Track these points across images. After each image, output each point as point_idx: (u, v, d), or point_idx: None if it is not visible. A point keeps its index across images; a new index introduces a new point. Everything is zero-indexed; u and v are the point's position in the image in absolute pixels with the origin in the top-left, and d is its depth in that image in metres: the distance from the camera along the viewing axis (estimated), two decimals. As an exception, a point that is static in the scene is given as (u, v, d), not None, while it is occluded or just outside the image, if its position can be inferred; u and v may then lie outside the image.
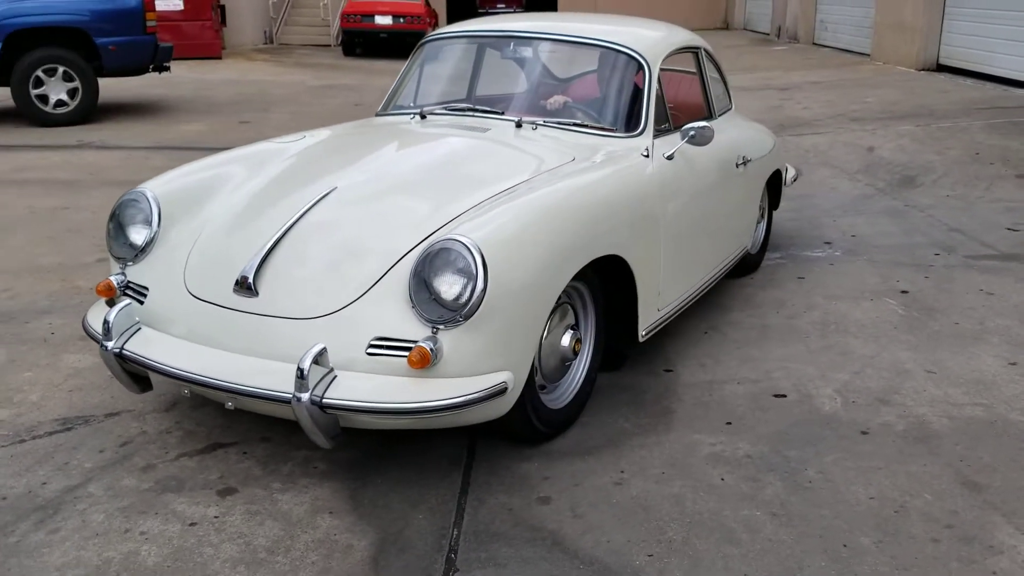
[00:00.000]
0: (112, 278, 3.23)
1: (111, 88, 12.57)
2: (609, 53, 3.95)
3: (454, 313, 2.66)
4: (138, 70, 10.61)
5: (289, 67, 17.21)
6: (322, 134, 4.02)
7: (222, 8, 17.93)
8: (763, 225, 5.18)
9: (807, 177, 7.42)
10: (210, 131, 9.86)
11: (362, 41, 18.37)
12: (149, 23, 10.33)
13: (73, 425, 3.34)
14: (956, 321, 4.34)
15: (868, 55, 15.62)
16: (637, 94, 3.84)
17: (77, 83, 10.06)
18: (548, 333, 3.10)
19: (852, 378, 3.73)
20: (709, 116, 4.42)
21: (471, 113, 3.91)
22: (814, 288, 4.83)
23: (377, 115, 4.25)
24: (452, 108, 3.99)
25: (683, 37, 4.39)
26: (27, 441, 3.23)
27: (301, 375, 2.60)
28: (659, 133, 3.81)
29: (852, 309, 4.51)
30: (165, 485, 2.95)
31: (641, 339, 3.54)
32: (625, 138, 3.71)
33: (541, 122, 3.77)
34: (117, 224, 3.31)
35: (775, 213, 5.58)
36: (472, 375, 2.70)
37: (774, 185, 5.23)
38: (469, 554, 2.60)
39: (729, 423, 3.36)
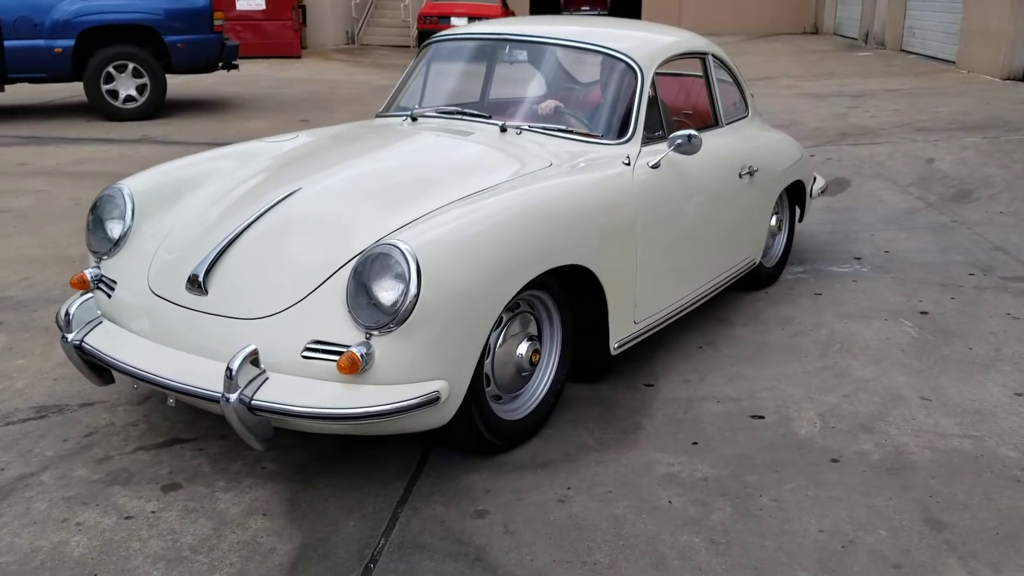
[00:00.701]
0: (87, 271, 3.30)
1: (188, 85, 12.98)
2: (600, 57, 3.87)
3: (388, 319, 2.63)
4: (205, 68, 10.91)
5: (364, 67, 17.47)
6: (315, 134, 4.04)
7: (303, 8, 18.30)
8: (782, 237, 5.00)
9: (855, 188, 7.15)
10: (269, 129, 10.05)
11: (438, 42, 18.48)
12: (216, 22, 10.60)
13: (47, 413, 3.43)
14: (971, 346, 4.10)
15: (953, 63, 14.99)
16: (628, 100, 3.74)
17: (146, 79, 10.39)
18: (503, 342, 3.04)
19: (840, 402, 3.56)
20: (715, 124, 4.28)
21: (460, 116, 3.87)
22: (828, 305, 4.63)
23: (377, 116, 4.25)
24: (442, 111, 3.96)
25: (687, 43, 4.26)
26: (3, 426, 3.33)
27: (230, 375, 2.60)
28: (652, 141, 3.71)
29: (862, 329, 4.31)
30: (115, 477, 2.99)
31: (613, 352, 3.44)
32: (610, 145, 3.62)
33: (526, 127, 3.71)
34: (96, 218, 3.38)
35: (802, 226, 5.39)
36: (405, 383, 2.66)
37: (798, 197, 5.05)
38: (388, 565, 2.56)
39: (696, 443, 3.24)
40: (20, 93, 11.28)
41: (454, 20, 18.07)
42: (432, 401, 2.65)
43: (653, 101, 3.77)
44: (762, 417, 3.44)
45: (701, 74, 4.30)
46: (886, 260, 5.38)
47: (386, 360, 2.64)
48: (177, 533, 2.70)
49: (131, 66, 10.31)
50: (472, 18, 18.04)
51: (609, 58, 3.82)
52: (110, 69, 10.25)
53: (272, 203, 3.15)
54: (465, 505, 2.85)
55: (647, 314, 3.59)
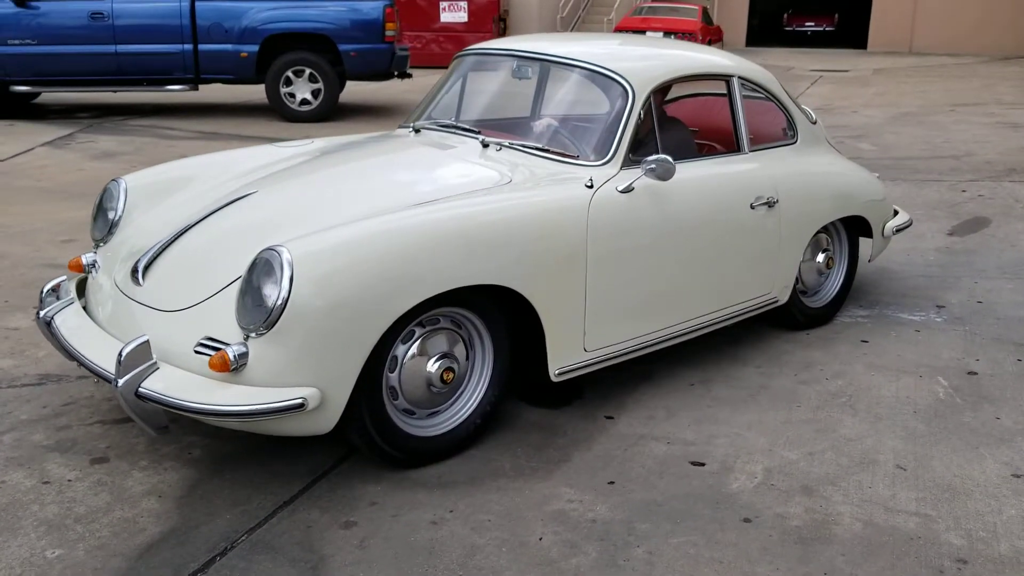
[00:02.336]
0: (83, 256, 3.62)
1: (377, 91, 13.72)
2: (593, 76, 3.75)
3: (260, 323, 2.71)
4: (377, 75, 11.49)
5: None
6: (328, 141, 4.20)
7: (503, 21, 18.81)
8: (836, 276, 4.62)
9: (991, 230, 6.46)
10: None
11: (632, 56, 18.41)
12: (388, 32, 11.15)
13: (46, 381, 3.79)
14: (999, 416, 3.61)
15: None
16: (614, 121, 3.61)
17: (320, 84, 11.10)
18: (411, 357, 3.04)
19: (800, 459, 3.26)
20: (737, 150, 4.04)
21: (453, 130, 3.88)
22: (866, 355, 4.23)
23: (399, 126, 4.35)
24: (441, 124, 3.99)
25: (701, 65, 4.06)
26: (2, 389, 3.72)
27: (119, 361, 2.78)
28: (639, 164, 3.56)
29: (887, 384, 3.91)
30: (60, 445, 3.27)
31: (555, 378, 3.34)
32: (585, 166, 3.51)
33: (507, 144, 3.67)
34: (99, 207, 3.70)
35: (894, 265, 4.95)
36: (274, 386, 2.73)
37: (864, 232, 4.65)
38: (231, 561, 2.64)
39: (612, 483, 3.09)
40: (211, 93, 12.35)
41: (649, 35, 17.91)
42: (296, 407, 2.69)
43: (647, 123, 3.62)
44: (703, 464, 3.22)
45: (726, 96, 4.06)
46: (971, 311, 4.83)
47: (258, 362, 2.73)
48: (75, 503, 2.91)
49: (308, 71, 11.06)
50: (667, 33, 17.84)
51: (601, 77, 3.71)
52: (289, 73, 11.04)
53: (220, 204, 3.33)
54: (341, 514, 2.88)
55: (603, 343, 3.45)
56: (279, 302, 2.67)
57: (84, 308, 3.37)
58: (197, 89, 11.25)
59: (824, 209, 4.32)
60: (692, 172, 3.77)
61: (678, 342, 3.81)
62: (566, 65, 3.84)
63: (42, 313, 3.34)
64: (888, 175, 8.33)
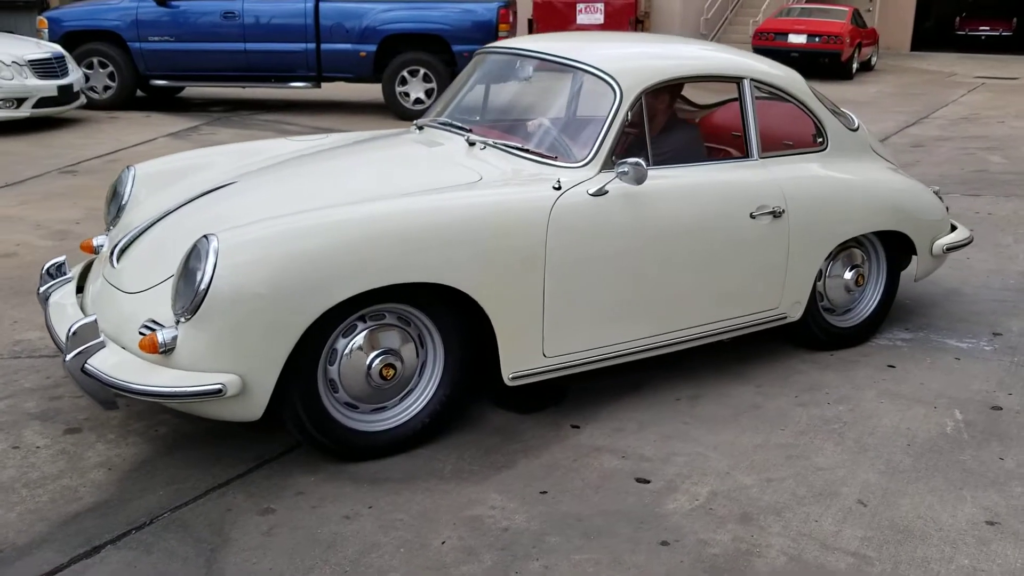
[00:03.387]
0: (95, 238, 3.85)
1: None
2: (586, 76, 3.66)
3: (185, 308, 2.80)
4: (488, 75, 11.57)
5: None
6: (343, 137, 4.28)
7: (640, 23, 18.57)
8: (870, 295, 4.31)
9: (1097, 254, 5.85)
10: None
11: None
12: (501, 33, 11.22)
13: (59, 354, 4.03)
14: (1002, 457, 3.28)
15: None
16: (598, 121, 3.51)
17: (434, 84, 11.30)
18: (351, 351, 3.05)
19: (755, 484, 3.06)
20: (746, 155, 3.83)
21: (450, 128, 3.87)
22: (885, 381, 3.92)
23: (414, 123, 4.36)
24: (440, 122, 3.98)
25: (703, 65, 3.92)
26: (20, 358, 3.99)
27: (67, 338, 2.94)
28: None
29: (892, 413, 3.61)
30: (44, 414, 3.48)
31: (509, 382, 3.29)
32: (562, 167, 3.42)
33: (491, 143, 3.63)
34: (113, 192, 3.92)
35: (966, 287, 4.58)
36: (199, 371, 2.81)
37: (906, 249, 4.32)
38: (142, 536, 2.73)
39: (545, 492, 3.00)
40: (333, 91, 12.75)
41: (792, 37, 17.25)
42: (215, 392, 2.76)
43: (624, 124, 3.48)
44: (648, 482, 3.08)
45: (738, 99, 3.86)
46: (1029, 341, 4.40)
47: (184, 346, 2.82)
48: (32, 468, 3.10)
49: (422, 71, 11.28)
50: (812, 35, 17.11)
51: (593, 77, 3.60)
52: (404, 73, 11.30)
53: (199, 193, 3.46)
54: (264, 501, 2.93)
55: (565, 350, 3.36)
56: (202, 288, 2.75)
57: (84, 287, 3.57)
58: (319, 87, 11.69)
59: (849, 222, 4.03)
60: (682, 177, 3.61)
61: (661, 353, 3.66)
62: (562, 65, 3.76)
63: (41, 289, 3.57)
64: (1005, 190, 7.71)
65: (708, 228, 3.61)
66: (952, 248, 4.47)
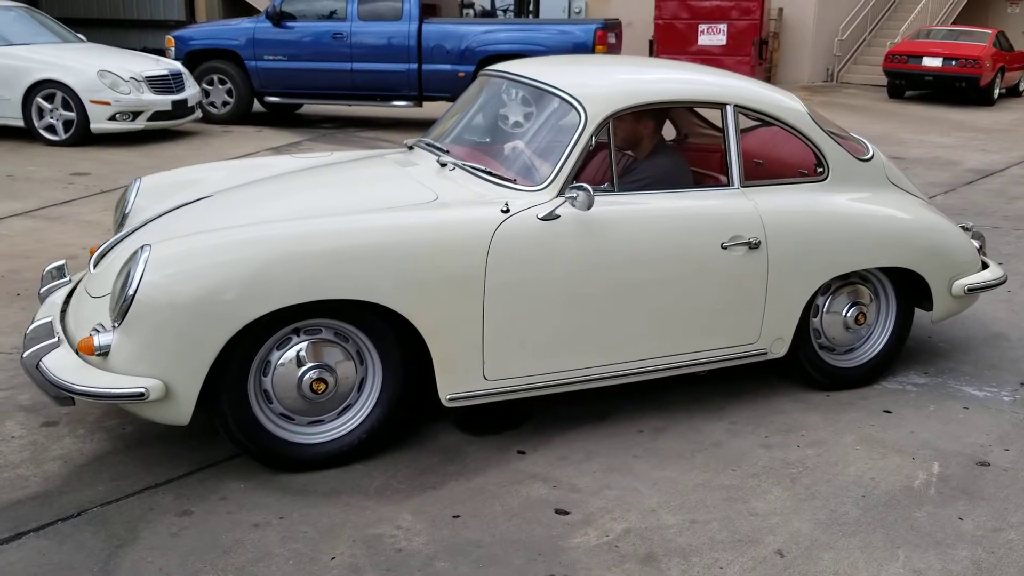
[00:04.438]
0: (103, 244, 4.10)
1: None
2: (555, 100, 3.62)
3: (116, 314, 2.95)
4: (584, 96, 11.57)
5: (815, 107, 16.71)
6: (340, 155, 4.39)
7: (763, 43, 18.11)
8: (876, 334, 4.07)
9: None
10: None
11: (904, 83, 16.96)
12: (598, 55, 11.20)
13: (73, 353, 4.31)
14: (962, 517, 3.02)
15: None
16: (561, 145, 3.48)
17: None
18: (284, 363, 3.13)
19: (675, 525, 2.95)
20: (728, 183, 3.71)
21: (430, 148, 3.91)
22: (873, 427, 3.69)
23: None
24: (425, 142, 4.02)
25: (684, 90, 3.81)
26: (37, 355, 4.28)
27: (24, 337, 3.15)
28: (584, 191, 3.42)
29: (862, 461, 3.40)
30: (33, 407, 3.71)
31: (447, 404, 3.29)
32: (522, 190, 3.41)
33: (460, 164, 3.66)
34: (120, 201, 4.16)
35: (993, 330, 4.28)
36: (128, 374, 2.95)
37: (920, 290, 4.06)
38: (63, 527, 2.89)
39: (457, 516, 2.99)
40: (434, 110, 13.00)
41: (926, 60, 16.41)
42: (137, 396, 2.90)
43: (588, 149, 3.43)
44: (567, 514, 3.02)
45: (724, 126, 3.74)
46: (1061, 393, 4.04)
47: (116, 350, 2.97)
48: (-2, 457, 3.33)
49: (519, 91, 11.38)
50: (948, 59, 16.24)
51: (562, 100, 3.57)
52: (501, 93, 11.44)
53: (178, 204, 3.64)
54: (187, 503, 3.04)
55: (508, 374, 3.33)
56: (129, 295, 2.90)
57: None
58: (421, 106, 11.98)
59: (844, 256, 3.82)
60: (646, 204, 3.53)
61: (621, 383, 3.57)
62: (541, 89, 3.74)
63: (42, 290, 3.83)
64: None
65: (671, 258, 3.51)
66: (977, 289, 4.16)
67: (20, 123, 9.88)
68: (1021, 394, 4.04)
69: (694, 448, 3.49)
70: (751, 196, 3.69)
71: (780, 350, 3.80)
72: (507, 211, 3.29)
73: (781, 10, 20.00)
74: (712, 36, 17.86)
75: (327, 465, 3.27)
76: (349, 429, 3.29)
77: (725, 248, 3.56)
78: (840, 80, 20.80)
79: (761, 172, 4.05)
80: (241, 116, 12.12)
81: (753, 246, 3.59)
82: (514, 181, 3.48)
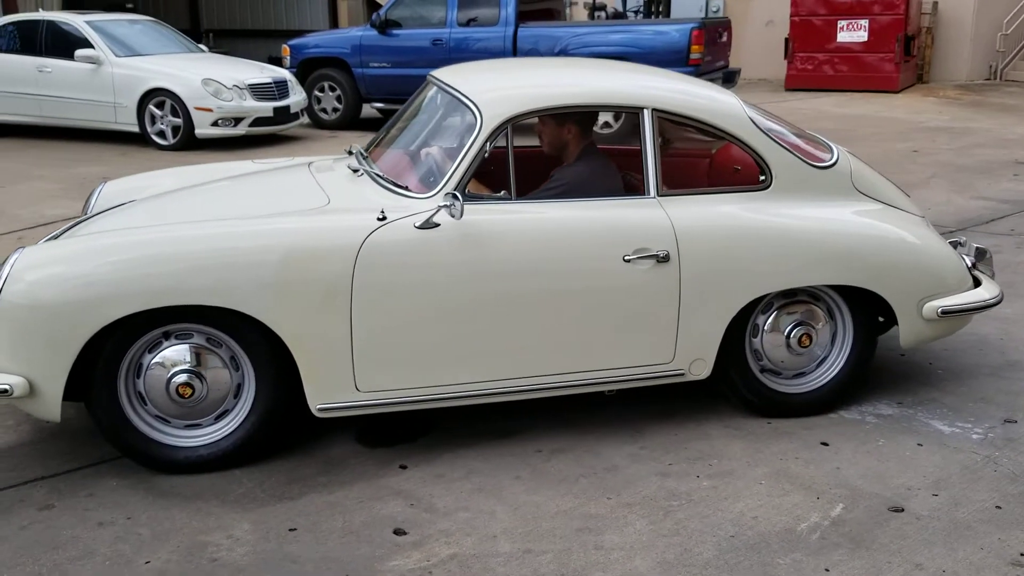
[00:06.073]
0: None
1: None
2: (456, 104, 3.51)
3: (-8, 311, 3.10)
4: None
5: (962, 107, 15.44)
6: (283, 162, 4.43)
7: (909, 40, 16.93)
8: (832, 359, 3.71)
9: None
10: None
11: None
12: (693, 55, 10.83)
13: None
14: (828, 568, 2.69)
15: None
16: (454, 151, 3.38)
17: (625, 107, 11.15)
18: (151, 365, 3.19)
19: (507, 554, 2.79)
20: (644, 191, 3.47)
21: (358, 154, 3.87)
22: (797, 460, 3.36)
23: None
24: (357, 148, 3.98)
25: (600, 93, 3.56)
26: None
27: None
28: (480, 200, 3.31)
29: (760, 498, 3.10)
30: None
31: (317, 414, 3.26)
32: (412, 198, 3.33)
33: (367, 170, 3.61)
34: (87, 203, 4.36)
35: (1009, 358, 3.84)
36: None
37: (882, 311, 3.67)
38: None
39: (293, 530, 2.95)
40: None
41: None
42: (1, 392, 3.03)
43: (480, 156, 3.30)
44: (405, 534, 2.92)
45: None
46: (1046, 434, 3.54)
47: (-7, 347, 3.12)
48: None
49: (613, 94, 11.17)
50: (1117, 53, 14.60)
51: (463, 105, 3.46)
52: (596, 96, 11.26)
53: (105, 208, 3.79)
54: (54, 499, 3.14)
55: (382, 386, 3.25)
56: (-6, 295, 3.04)
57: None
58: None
59: (776, 273, 3.49)
60: (540, 213, 3.36)
61: (515, 399, 3.42)
62: (450, 93, 3.64)
63: None
64: None
65: (564, 271, 3.32)
66: (954, 312, 3.70)
67: (135, 128, 10.60)
68: (997, 432, 3.57)
69: (584, 472, 3.29)
70: (668, 206, 3.43)
71: (701, 371, 3.52)
72: (384, 218, 3.22)
73: (936, 4, 18.65)
74: (852, 32, 16.87)
75: (203, 469, 3.30)
76: (225, 434, 3.30)
77: (628, 261, 3.33)
78: (1004, 78, 19.17)
79: (700, 181, 3.78)
80: (349, 121, 12.49)
81: (662, 259, 3.35)
82: (407, 188, 3.40)
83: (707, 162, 4.19)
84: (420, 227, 3.21)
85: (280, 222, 3.25)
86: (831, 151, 3.83)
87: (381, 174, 3.53)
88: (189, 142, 10.39)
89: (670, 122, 3.55)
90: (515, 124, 3.37)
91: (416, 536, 2.90)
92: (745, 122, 3.59)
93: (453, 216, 3.15)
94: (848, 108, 14.94)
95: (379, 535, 2.91)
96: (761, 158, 3.59)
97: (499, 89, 3.54)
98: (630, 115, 3.56)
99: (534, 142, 3.90)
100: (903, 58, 16.88)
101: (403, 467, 3.35)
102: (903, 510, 3.02)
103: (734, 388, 3.65)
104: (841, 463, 3.33)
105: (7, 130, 11.13)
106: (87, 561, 2.78)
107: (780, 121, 3.90)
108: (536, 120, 3.70)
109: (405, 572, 2.72)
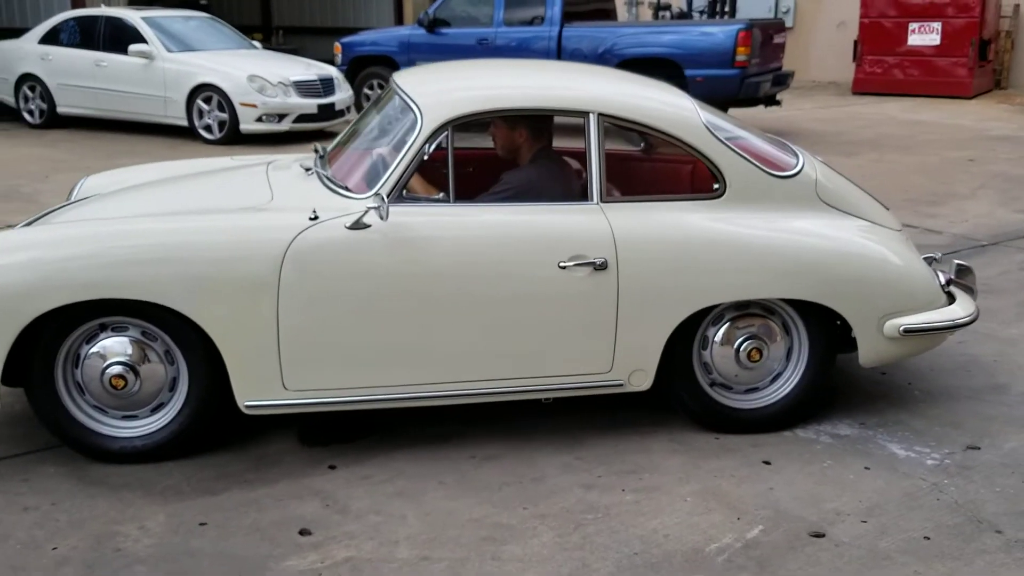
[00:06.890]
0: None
1: (797, 118, 13.08)
2: (403, 105, 3.50)
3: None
4: (723, 102, 10.97)
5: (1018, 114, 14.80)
6: (255, 159, 4.47)
7: (983, 44, 16.27)
8: (787, 374, 3.59)
9: None
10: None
11: None
12: (739, 58, 10.59)
13: None
14: (726, 591, 2.59)
15: None
16: (392, 152, 3.38)
17: (668, 109, 10.98)
18: (87, 357, 3.26)
19: (404, 558, 2.77)
20: (585, 197, 3.41)
21: (317, 153, 3.89)
22: (727, 480, 3.25)
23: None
24: (321, 147, 3.99)
25: (545, 97, 3.52)
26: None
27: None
28: (412, 201, 3.31)
29: (680, 516, 3.01)
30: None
31: (245, 410, 3.29)
32: (351, 199, 3.32)
33: (316, 170, 3.63)
34: (68, 195, 4.48)
35: (996, 380, 3.71)
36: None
37: (841, 330, 3.54)
38: None
39: (204, 524, 2.99)
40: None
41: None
42: (-64, 381, 3.14)
43: (419, 159, 3.29)
44: (309, 534, 2.92)
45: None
46: (1007, 466, 3.35)
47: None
48: None
49: (657, 95, 11.01)
50: None
51: (408, 107, 3.45)
52: (639, 97, 11.11)
53: (70, 201, 3.89)
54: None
55: (310, 386, 3.26)
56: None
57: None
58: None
59: (722, 285, 3.38)
60: (474, 217, 3.34)
61: (450, 404, 3.40)
62: (399, 95, 3.62)
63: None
64: None
65: (494, 275, 3.28)
66: (918, 331, 3.53)
67: (184, 123, 10.88)
68: (954, 459, 3.39)
69: (509, 481, 3.24)
70: (610, 213, 3.36)
71: (642, 383, 3.44)
72: (315, 218, 3.23)
73: (1018, 6, 17.89)
74: (924, 35, 16.30)
75: (138, 460, 3.36)
76: (160, 426, 3.36)
77: (563, 268, 3.27)
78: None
79: (649, 188, 3.69)
80: (398, 119, 12.62)
81: (599, 267, 3.28)
82: (348, 188, 3.40)
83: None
84: (350, 227, 3.21)
85: (211, 219, 3.29)
86: (797, 159, 3.70)
87: (328, 174, 3.54)
88: (234, 137, 10.61)
89: (617, 127, 3.47)
90: (456, 126, 3.34)
91: (320, 537, 2.91)
92: (697, 128, 3.50)
93: (381, 217, 3.14)
94: (914, 114, 14.44)
95: (284, 534, 2.92)
96: (714, 165, 3.48)
97: (443, 92, 3.52)
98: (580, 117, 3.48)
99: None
100: (978, 63, 16.23)
101: (332, 467, 3.35)
102: (824, 535, 2.90)
103: (681, 401, 3.56)
104: (777, 484, 3.22)
105: (69, 121, 11.55)
106: (2, 545, 2.86)
107: (746, 127, 3.78)
108: (491, 123, 3.67)
109: (296, 573, 2.72)
